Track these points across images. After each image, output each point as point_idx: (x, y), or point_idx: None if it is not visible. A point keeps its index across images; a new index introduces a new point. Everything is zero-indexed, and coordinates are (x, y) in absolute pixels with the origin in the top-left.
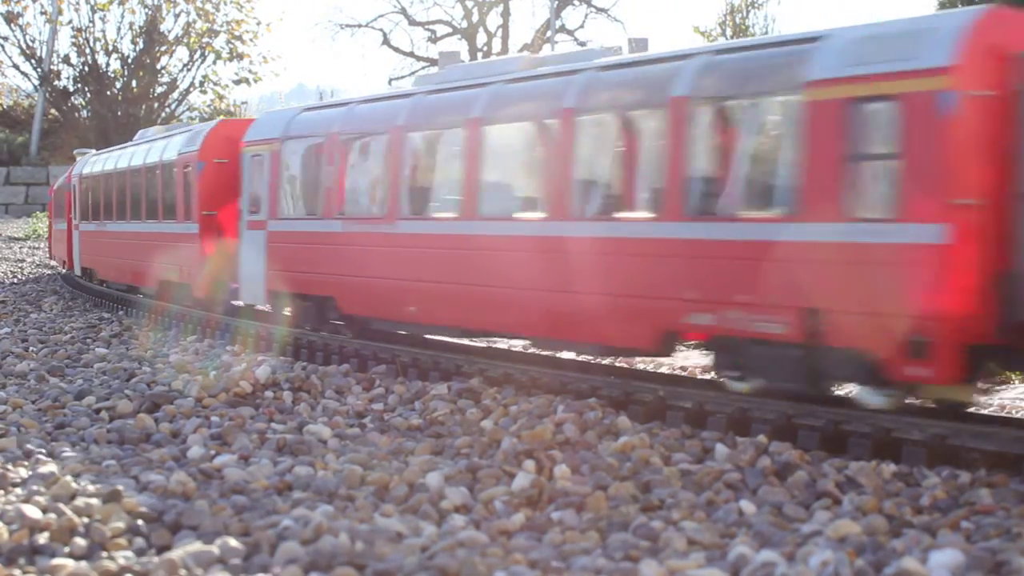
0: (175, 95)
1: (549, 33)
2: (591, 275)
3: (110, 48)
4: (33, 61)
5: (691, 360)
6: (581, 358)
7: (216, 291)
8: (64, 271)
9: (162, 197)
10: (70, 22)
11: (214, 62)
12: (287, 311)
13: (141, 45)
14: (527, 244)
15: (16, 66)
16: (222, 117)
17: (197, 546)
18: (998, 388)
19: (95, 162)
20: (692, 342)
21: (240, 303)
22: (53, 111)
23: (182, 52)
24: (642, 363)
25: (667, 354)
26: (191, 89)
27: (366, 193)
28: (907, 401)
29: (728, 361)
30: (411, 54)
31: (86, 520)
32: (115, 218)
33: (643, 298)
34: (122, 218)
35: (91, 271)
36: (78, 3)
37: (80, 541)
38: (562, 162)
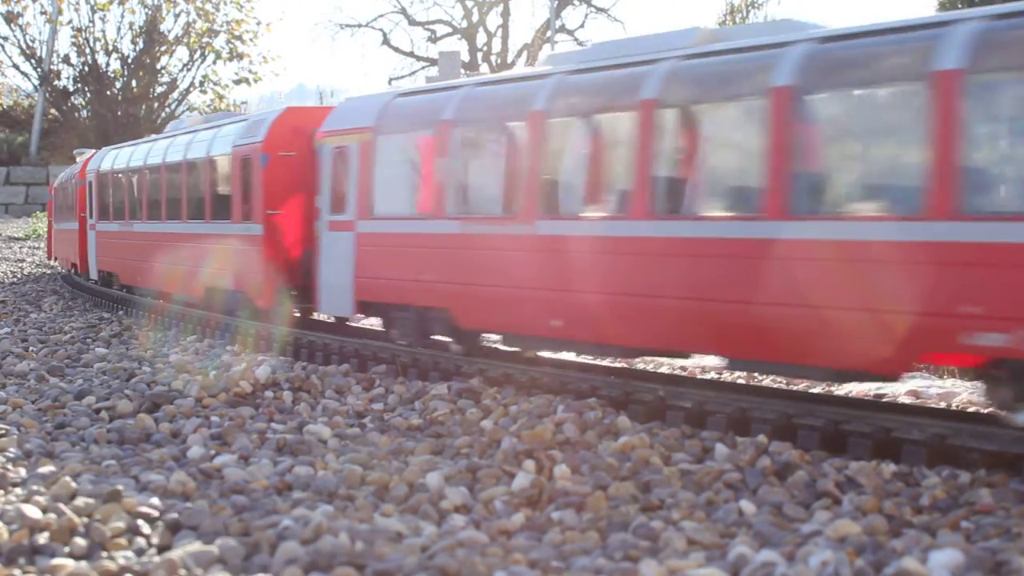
0: (175, 95)
1: (549, 33)
2: (816, 285)
3: (110, 48)
4: (33, 61)
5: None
6: (580, 357)
7: (280, 300)
8: (65, 272)
9: (210, 195)
10: (70, 22)
11: (214, 62)
12: (381, 324)
13: (141, 45)
14: (723, 248)
15: (16, 66)
16: (288, 104)
17: (197, 546)
18: None
19: (117, 157)
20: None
21: (313, 314)
22: (53, 111)
23: (182, 52)
24: (642, 363)
25: (898, 379)
26: (191, 89)
27: (494, 189)
28: None
29: (1017, 390)
30: (411, 54)
31: (86, 520)
32: (145, 218)
33: (896, 313)
34: (155, 218)
35: (111, 275)
36: (78, 3)
37: (80, 541)
38: (776, 149)
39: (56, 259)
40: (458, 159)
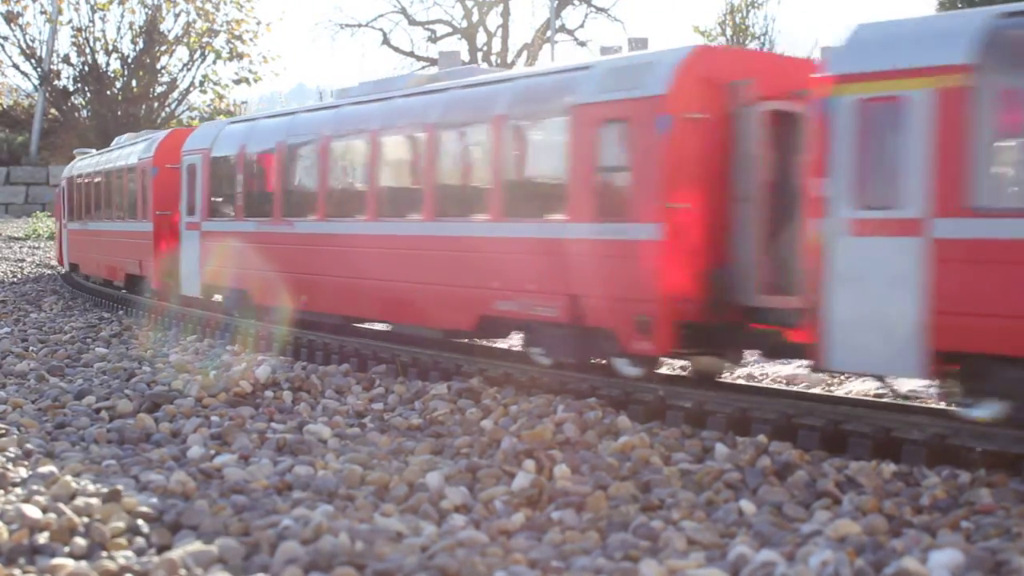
0: (175, 95)
1: (549, 33)
2: None
3: (110, 48)
4: (33, 61)
5: None
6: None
7: (685, 345)
8: (65, 273)
9: (500, 181)
10: (70, 22)
11: (214, 62)
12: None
13: (141, 45)
14: None
15: (16, 66)
16: (695, 45)
17: (197, 546)
18: None
19: (252, 134)
20: None
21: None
22: (53, 111)
23: (182, 52)
24: None
25: None
26: (191, 89)
27: None
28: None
29: None
30: (411, 54)
31: (86, 520)
32: (324, 215)
33: None
34: (348, 215)
35: (235, 293)
36: (78, 3)
37: (80, 541)
38: None
39: (78, 267)
40: None
